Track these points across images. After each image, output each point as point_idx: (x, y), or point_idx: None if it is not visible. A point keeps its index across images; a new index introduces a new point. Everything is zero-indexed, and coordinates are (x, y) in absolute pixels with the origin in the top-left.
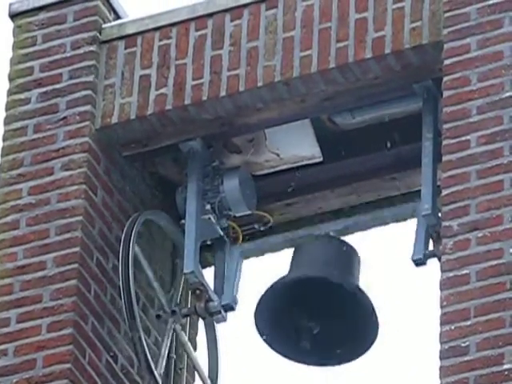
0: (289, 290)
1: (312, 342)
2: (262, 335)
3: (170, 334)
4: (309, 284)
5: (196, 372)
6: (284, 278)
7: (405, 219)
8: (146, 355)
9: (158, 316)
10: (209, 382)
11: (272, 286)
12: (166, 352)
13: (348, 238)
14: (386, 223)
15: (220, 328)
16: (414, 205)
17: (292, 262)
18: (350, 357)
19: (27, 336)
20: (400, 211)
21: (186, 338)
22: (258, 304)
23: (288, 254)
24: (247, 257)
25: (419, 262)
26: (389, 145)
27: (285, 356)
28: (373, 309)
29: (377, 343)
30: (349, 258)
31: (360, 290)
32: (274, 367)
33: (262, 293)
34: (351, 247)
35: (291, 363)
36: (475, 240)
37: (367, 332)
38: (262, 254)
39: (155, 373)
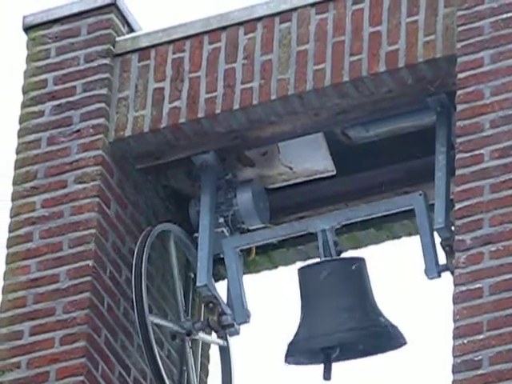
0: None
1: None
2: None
3: (192, 357)
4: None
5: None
6: (302, 340)
7: (418, 233)
8: (160, 373)
9: (174, 337)
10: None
11: (293, 346)
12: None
13: (360, 252)
14: (398, 237)
15: (233, 341)
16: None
17: (303, 304)
18: (371, 352)
19: (40, 349)
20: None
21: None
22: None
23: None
24: (259, 270)
25: (432, 276)
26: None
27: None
28: (400, 334)
29: (389, 356)
30: (360, 278)
31: (388, 326)
32: (287, 378)
33: (286, 351)
34: (357, 261)
35: (302, 373)
36: (488, 254)
37: (392, 341)
38: (255, 245)
39: None
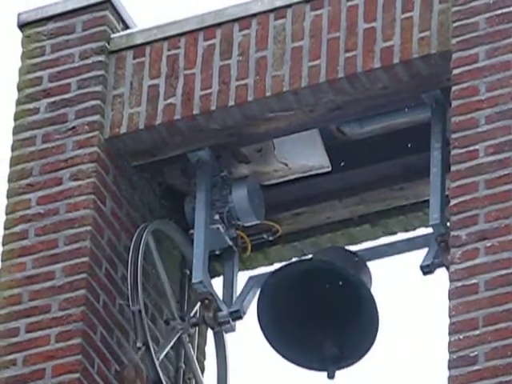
0: (290, 282)
1: (318, 349)
2: (265, 335)
3: (176, 337)
4: (310, 275)
5: None
6: (285, 268)
7: (414, 228)
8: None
9: (167, 322)
10: None
11: (272, 276)
12: (170, 346)
13: (356, 247)
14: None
15: (229, 337)
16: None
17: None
18: (353, 359)
19: (36, 346)
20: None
21: (194, 354)
22: (260, 297)
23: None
24: (254, 267)
25: (427, 270)
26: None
27: (288, 360)
28: (374, 302)
29: (385, 351)
30: (359, 267)
31: (362, 282)
32: (282, 375)
33: (263, 284)
34: (362, 260)
35: (299, 370)
36: (484, 249)
37: (368, 331)
38: (271, 264)
39: (155, 360)
